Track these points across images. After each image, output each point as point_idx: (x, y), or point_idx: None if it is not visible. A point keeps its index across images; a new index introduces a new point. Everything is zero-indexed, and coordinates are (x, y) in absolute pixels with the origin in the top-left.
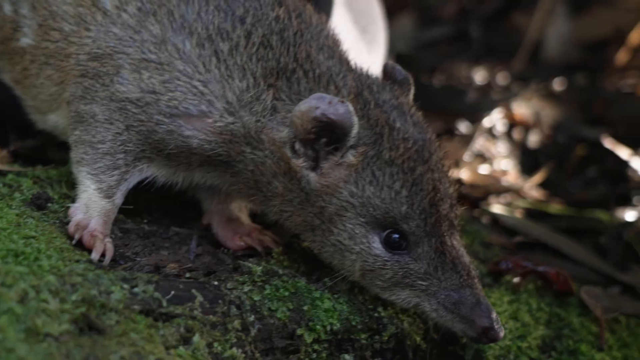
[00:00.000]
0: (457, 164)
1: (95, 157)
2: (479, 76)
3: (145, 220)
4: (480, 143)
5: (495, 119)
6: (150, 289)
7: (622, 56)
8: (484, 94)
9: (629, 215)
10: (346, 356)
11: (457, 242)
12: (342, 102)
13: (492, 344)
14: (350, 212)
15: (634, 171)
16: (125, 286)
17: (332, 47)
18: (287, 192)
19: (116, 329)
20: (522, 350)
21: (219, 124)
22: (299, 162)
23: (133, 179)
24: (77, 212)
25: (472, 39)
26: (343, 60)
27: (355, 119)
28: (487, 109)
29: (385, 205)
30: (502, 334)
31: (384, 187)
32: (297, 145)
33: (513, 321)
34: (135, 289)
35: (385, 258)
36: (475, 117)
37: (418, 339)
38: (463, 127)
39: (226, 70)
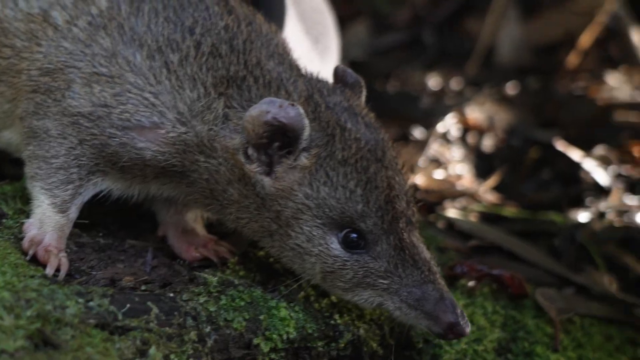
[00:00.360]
0: (412, 169)
1: (49, 172)
2: (433, 82)
3: (100, 234)
4: (434, 148)
5: (449, 124)
6: (106, 302)
7: (573, 59)
8: (438, 99)
9: (582, 216)
10: None
11: (416, 239)
12: (293, 105)
13: (449, 347)
14: (307, 214)
15: (586, 173)
16: (80, 300)
17: (283, 54)
18: (243, 199)
19: (71, 343)
20: (478, 354)
21: (171, 134)
22: (253, 168)
23: (87, 192)
24: (31, 228)
25: (426, 45)
26: (293, 67)
27: (306, 122)
28: (441, 114)
29: (341, 205)
30: (468, 329)
31: (338, 187)
32: (250, 151)
33: None
34: (91, 303)
35: (345, 258)
36: (429, 123)
37: (375, 345)
38: (417, 132)
39: (177, 81)
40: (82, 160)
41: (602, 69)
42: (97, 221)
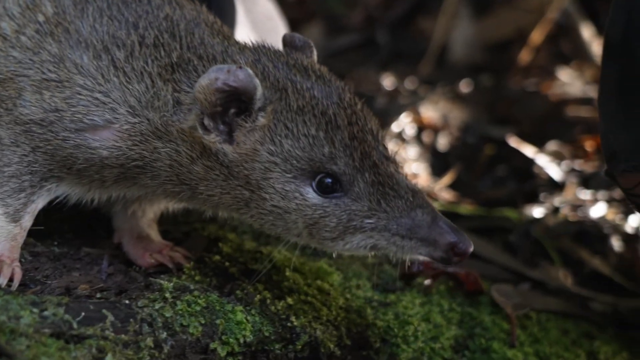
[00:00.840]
0: None
1: (1, 180)
2: (388, 82)
3: (55, 242)
4: (390, 147)
5: (404, 123)
6: (61, 311)
7: (525, 56)
8: (393, 99)
9: (537, 211)
10: None
11: (394, 169)
12: (241, 67)
13: (406, 345)
14: (275, 171)
15: (540, 168)
16: (35, 310)
17: (227, 33)
18: (210, 172)
19: (27, 353)
20: (436, 351)
21: (125, 126)
22: (212, 138)
23: (41, 200)
24: None
25: (380, 46)
26: (238, 42)
27: (257, 81)
28: (396, 113)
29: (307, 153)
30: (471, 246)
31: (300, 136)
32: (206, 121)
33: (425, 323)
34: (45, 312)
35: (324, 204)
36: (384, 122)
37: (332, 345)
38: None
39: (125, 77)
40: (34, 167)
41: (553, 65)
42: (52, 229)
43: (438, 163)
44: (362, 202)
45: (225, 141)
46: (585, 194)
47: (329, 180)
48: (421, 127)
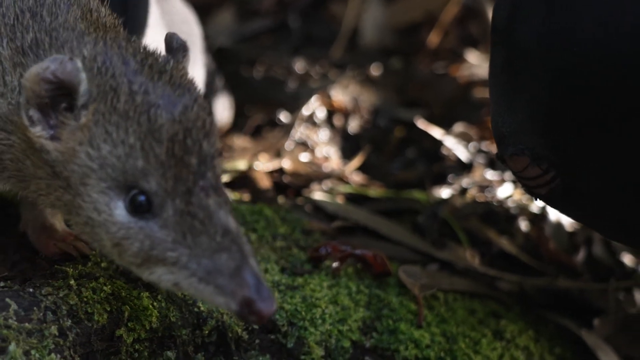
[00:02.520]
0: (279, 153)
1: None
2: (299, 66)
3: None
4: (301, 131)
5: (314, 107)
6: None
7: (433, 39)
8: (303, 83)
9: (444, 193)
10: (169, 353)
11: (213, 203)
12: (71, 59)
13: (314, 328)
14: (92, 178)
15: (448, 150)
16: None
17: (97, 20)
18: (38, 170)
19: None
20: (344, 334)
21: None
22: (36, 131)
23: None
24: None
25: (292, 30)
26: (104, 30)
27: (83, 75)
28: (306, 97)
29: (122, 163)
30: (271, 306)
31: (118, 143)
32: (31, 112)
33: (333, 305)
34: None
35: (129, 225)
36: (295, 107)
37: (239, 330)
38: (283, 116)
39: None
40: None
41: (462, 48)
42: None
43: (349, 146)
44: (168, 231)
45: (51, 138)
46: (492, 175)
47: (142, 198)
48: (332, 111)
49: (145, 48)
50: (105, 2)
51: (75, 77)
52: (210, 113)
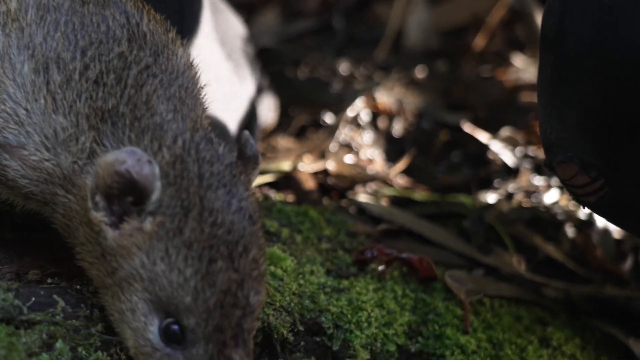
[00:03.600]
0: (323, 155)
1: None
2: (343, 67)
3: (6, 228)
4: (345, 133)
5: (359, 109)
6: (10, 296)
7: (479, 41)
8: (348, 84)
9: (491, 197)
10: None
11: (241, 354)
12: (150, 162)
13: (359, 332)
14: (139, 283)
15: (494, 154)
16: None
17: (183, 100)
18: (87, 243)
19: None
20: (389, 338)
21: (33, 157)
22: (99, 216)
23: None
24: None
25: (336, 31)
26: (189, 117)
27: (158, 184)
28: (351, 99)
29: (172, 290)
30: None
31: (174, 269)
32: (98, 198)
33: (379, 309)
34: None
35: (157, 347)
36: (339, 108)
37: (285, 332)
38: (328, 118)
39: (52, 104)
40: None
41: (508, 51)
42: (2, 215)
43: (393, 149)
44: None
45: (112, 224)
46: (539, 180)
47: (177, 328)
48: (376, 113)
49: (219, 151)
50: (163, 15)
51: (151, 183)
52: (262, 249)
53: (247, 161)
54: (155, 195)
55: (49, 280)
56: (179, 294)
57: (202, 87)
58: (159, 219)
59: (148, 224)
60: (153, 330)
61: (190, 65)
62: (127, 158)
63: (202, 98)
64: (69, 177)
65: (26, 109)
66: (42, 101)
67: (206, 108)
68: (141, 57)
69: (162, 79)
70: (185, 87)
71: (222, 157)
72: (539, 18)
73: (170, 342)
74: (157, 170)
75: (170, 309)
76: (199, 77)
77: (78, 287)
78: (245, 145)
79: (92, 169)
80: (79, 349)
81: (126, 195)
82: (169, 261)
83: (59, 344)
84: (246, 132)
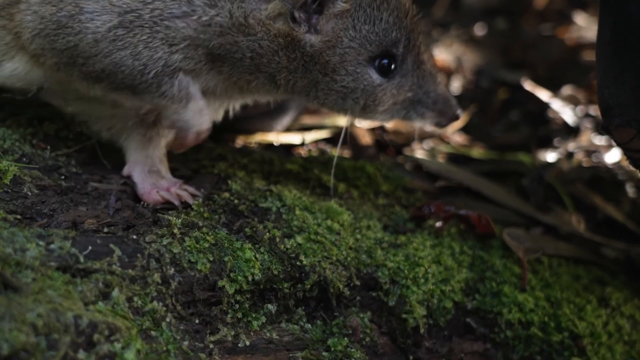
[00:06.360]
0: None
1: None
2: None
3: (62, 177)
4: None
5: None
6: (67, 245)
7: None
8: None
9: (550, 156)
10: (269, 306)
11: (424, 48)
12: None
13: (416, 287)
14: (351, 55)
15: (555, 113)
16: (41, 243)
17: None
18: (291, 62)
19: (32, 286)
20: (446, 294)
21: (204, 18)
22: (302, 30)
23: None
24: None
25: None
26: None
27: None
28: None
29: (379, 38)
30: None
31: (375, 22)
32: (297, 14)
33: (436, 265)
34: (52, 246)
35: (384, 84)
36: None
37: (341, 286)
38: None
39: None
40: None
41: (570, 9)
42: (60, 164)
43: None
44: (407, 79)
45: (309, 31)
46: (599, 140)
47: (386, 61)
48: None
49: None
50: None
51: None
52: None
53: None
54: None
55: (105, 230)
56: (386, 35)
57: None
58: None
59: (341, 3)
60: (376, 77)
61: None
62: None
63: None
64: (243, 21)
65: None
66: None
67: None
68: None
69: None
70: None
71: None
72: None
73: (387, 74)
74: None
75: (377, 53)
76: None
77: (134, 237)
78: None
79: (255, 4)
80: (135, 298)
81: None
82: (370, 19)
83: (115, 293)
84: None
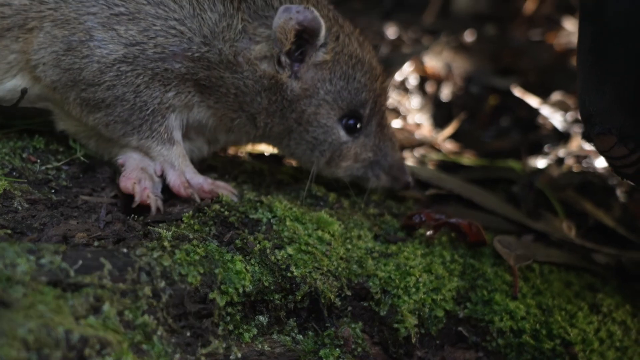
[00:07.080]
0: None
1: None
2: (391, 31)
3: (52, 190)
4: (393, 97)
5: (407, 73)
6: (58, 259)
7: (529, 5)
8: (396, 48)
9: (540, 162)
10: (260, 317)
11: (389, 122)
12: (308, 8)
13: (407, 297)
14: (325, 108)
15: (545, 119)
16: (32, 258)
17: None
18: (271, 104)
19: (23, 301)
20: (437, 303)
21: (196, 54)
22: (285, 74)
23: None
24: None
25: None
26: None
27: (322, 20)
28: (399, 63)
29: (351, 96)
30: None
31: (349, 79)
32: (283, 58)
33: (427, 274)
34: (42, 260)
35: (347, 140)
36: (387, 72)
37: (332, 297)
38: None
39: (197, 4)
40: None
41: (559, 15)
42: (50, 177)
43: (441, 113)
44: (370, 139)
45: (295, 76)
46: (589, 146)
47: (352, 121)
48: (424, 77)
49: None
50: None
51: (317, 23)
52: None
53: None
54: (323, 30)
55: (95, 244)
56: (357, 95)
57: None
58: (330, 46)
59: (322, 54)
60: (343, 134)
61: None
62: (290, 14)
63: None
64: (232, 59)
65: (175, 19)
66: (188, 6)
67: None
68: None
69: None
70: None
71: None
72: None
73: (352, 133)
74: (316, 11)
75: (346, 111)
76: None
77: (125, 250)
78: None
79: (246, 43)
80: (126, 312)
81: (302, 43)
82: (345, 76)
83: (105, 307)
84: None
